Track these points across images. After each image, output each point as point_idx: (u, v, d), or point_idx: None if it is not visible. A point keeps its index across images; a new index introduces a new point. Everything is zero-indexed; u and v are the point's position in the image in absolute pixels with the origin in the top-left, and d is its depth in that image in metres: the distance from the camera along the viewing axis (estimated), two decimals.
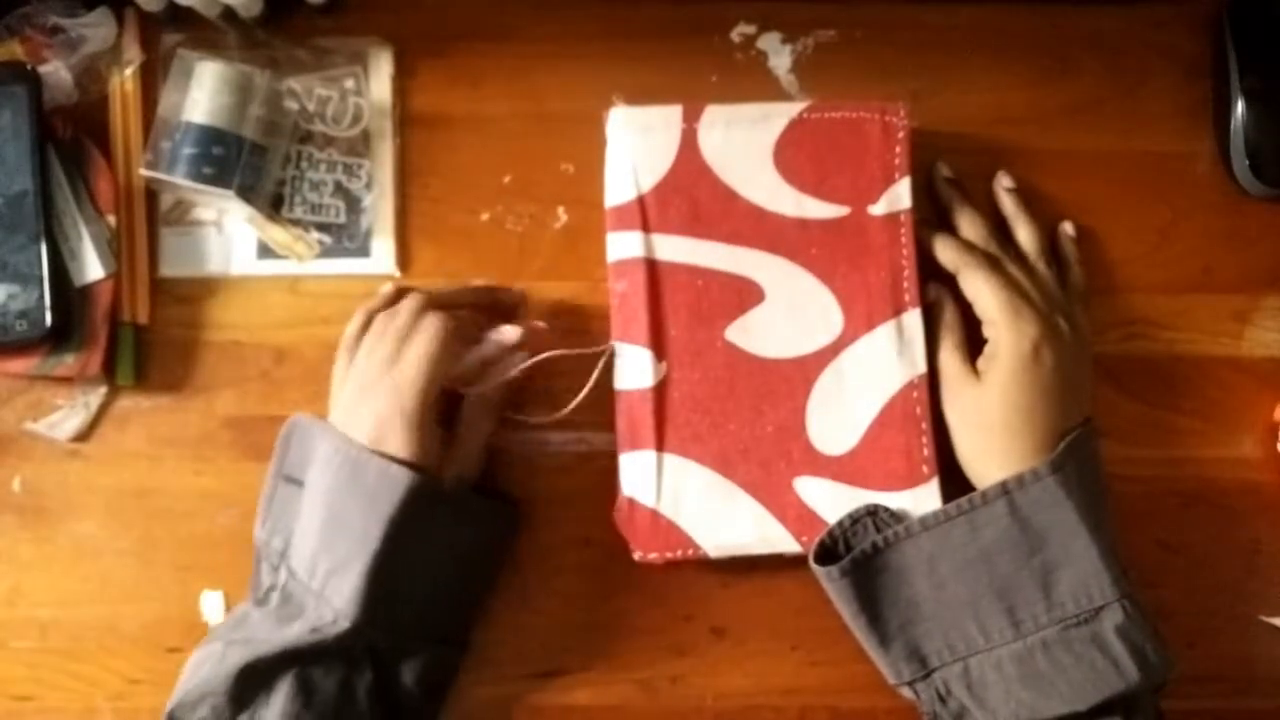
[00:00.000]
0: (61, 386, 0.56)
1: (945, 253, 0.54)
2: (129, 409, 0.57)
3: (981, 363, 0.53)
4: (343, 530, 0.48)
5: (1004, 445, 0.51)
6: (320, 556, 0.49)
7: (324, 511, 0.49)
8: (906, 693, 0.51)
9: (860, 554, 0.50)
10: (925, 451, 0.54)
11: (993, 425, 0.51)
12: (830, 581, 0.51)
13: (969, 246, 0.54)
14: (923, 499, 0.54)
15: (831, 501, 0.54)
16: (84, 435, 0.56)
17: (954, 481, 0.54)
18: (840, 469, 0.54)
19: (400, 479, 0.47)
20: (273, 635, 0.48)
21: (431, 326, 0.49)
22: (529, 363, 0.52)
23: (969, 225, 0.56)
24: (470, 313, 0.53)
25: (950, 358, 0.54)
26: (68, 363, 0.55)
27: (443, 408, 0.52)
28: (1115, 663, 0.47)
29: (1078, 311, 0.55)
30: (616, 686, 0.53)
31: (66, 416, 0.56)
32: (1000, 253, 0.55)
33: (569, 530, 0.55)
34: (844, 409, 0.55)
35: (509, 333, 0.52)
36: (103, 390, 0.56)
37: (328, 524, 0.49)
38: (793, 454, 0.54)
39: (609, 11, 0.60)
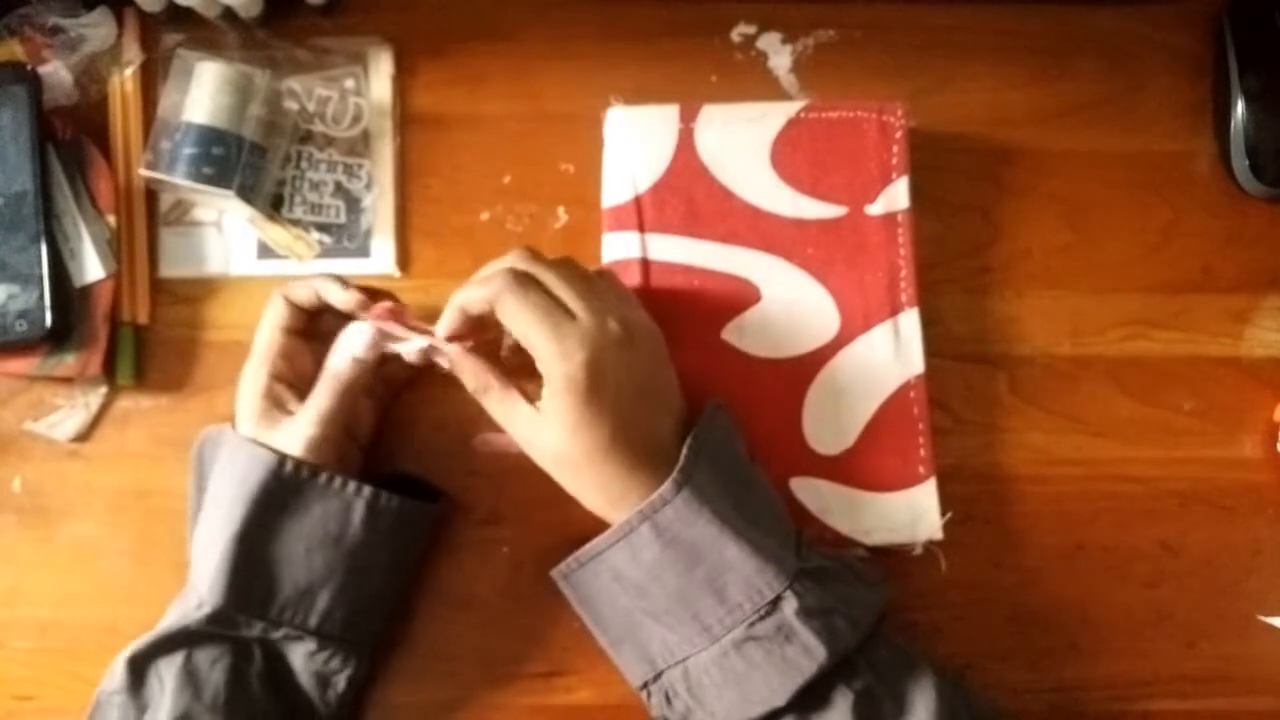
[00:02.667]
0: (61, 386, 0.56)
1: (472, 292, 0.47)
2: (129, 409, 0.57)
3: (543, 398, 0.47)
4: (214, 514, 0.49)
5: (605, 478, 0.47)
6: (197, 541, 0.49)
7: (208, 499, 0.49)
8: (645, 698, 0.51)
9: (565, 567, 0.50)
10: (922, 452, 0.54)
11: (579, 463, 0.47)
12: (560, 586, 0.51)
13: (494, 274, 0.47)
14: (919, 499, 0.54)
15: (827, 502, 0.54)
16: (84, 435, 0.56)
17: (955, 480, 0.54)
18: (836, 469, 0.54)
19: (262, 458, 0.47)
20: (160, 625, 0.49)
21: (268, 307, 0.51)
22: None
23: (496, 264, 0.50)
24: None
25: (503, 406, 0.49)
26: (68, 363, 0.55)
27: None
28: (804, 647, 0.46)
29: (629, 304, 0.50)
30: (617, 686, 0.53)
31: (66, 416, 0.56)
32: (532, 267, 0.48)
33: (568, 530, 0.54)
34: (840, 409, 0.55)
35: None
36: (103, 390, 0.56)
37: (205, 509, 0.49)
38: (788, 454, 0.54)
39: (609, 11, 0.60)
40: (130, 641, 0.54)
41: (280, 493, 0.48)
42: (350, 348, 0.50)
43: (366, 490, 0.49)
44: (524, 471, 0.55)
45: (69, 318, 0.55)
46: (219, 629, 0.48)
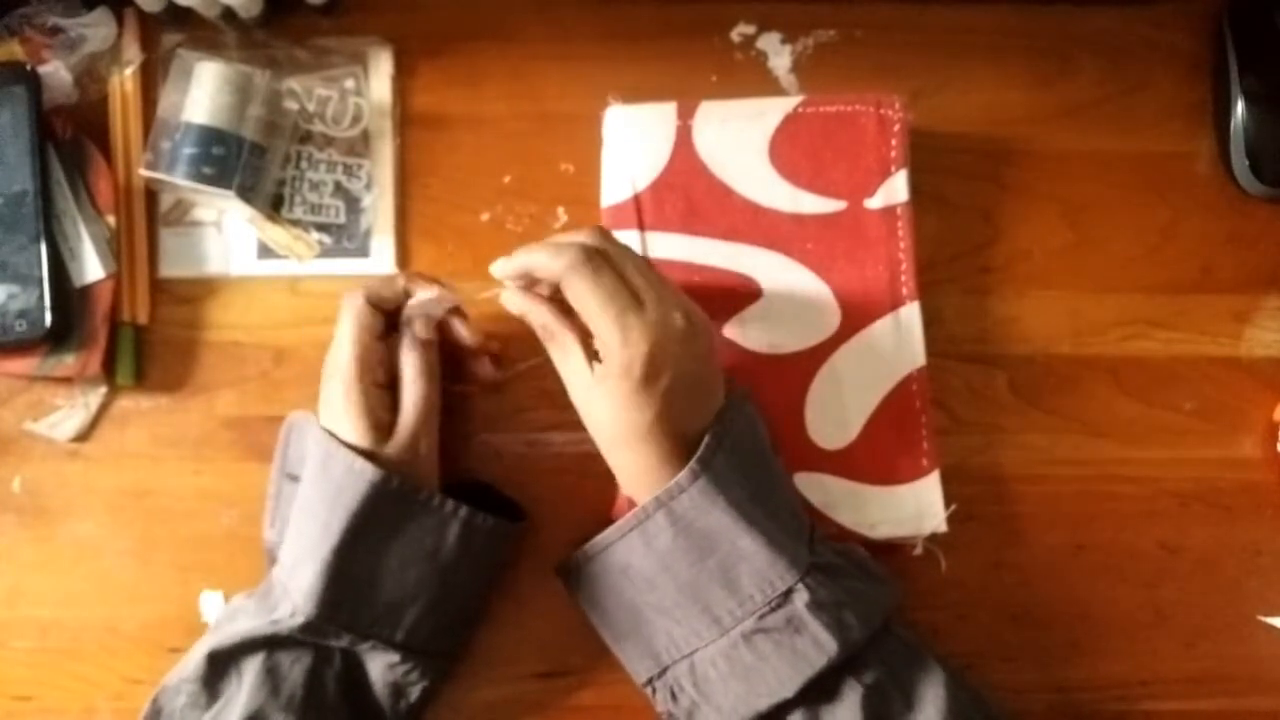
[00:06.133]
0: (61, 386, 0.56)
1: (541, 258, 0.48)
2: (129, 409, 0.57)
3: (598, 373, 0.47)
4: (310, 523, 0.48)
5: (640, 461, 0.47)
6: (290, 548, 0.49)
7: (299, 504, 0.49)
8: (649, 694, 0.51)
9: (572, 561, 0.50)
10: (925, 445, 0.54)
11: (618, 441, 0.48)
12: (565, 582, 0.52)
13: (567, 245, 0.48)
14: (924, 492, 0.54)
15: (832, 496, 0.54)
16: (84, 435, 0.56)
17: (956, 480, 0.54)
18: (840, 464, 0.54)
19: (363, 474, 0.47)
20: (243, 625, 0.49)
21: (345, 304, 0.50)
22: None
23: (564, 238, 0.50)
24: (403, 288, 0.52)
25: (564, 358, 0.49)
26: (68, 363, 0.55)
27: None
28: (814, 639, 0.46)
29: (684, 297, 0.50)
30: (617, 686, 0.53)
31: (66, 416, 0.56)
32: (605, 246, 0.48)
33: (569, 530, 0.55)
34: (843, 404, 0.55)
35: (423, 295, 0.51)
36: (103, 390, 0.56)
37: (299, 516, 0.49)
38: (792, 449, 0.54)
39: (609, 11, 0.60)
40: (130, 641, 0.55)
41: (380, 509, 0.48)
42: (420, 311, 0.50)
43: (463, 510, 0.49)
44: (522, 472, 0.56)
45: (69, 318, 0.55)
46: (307, 636, 0.48)
